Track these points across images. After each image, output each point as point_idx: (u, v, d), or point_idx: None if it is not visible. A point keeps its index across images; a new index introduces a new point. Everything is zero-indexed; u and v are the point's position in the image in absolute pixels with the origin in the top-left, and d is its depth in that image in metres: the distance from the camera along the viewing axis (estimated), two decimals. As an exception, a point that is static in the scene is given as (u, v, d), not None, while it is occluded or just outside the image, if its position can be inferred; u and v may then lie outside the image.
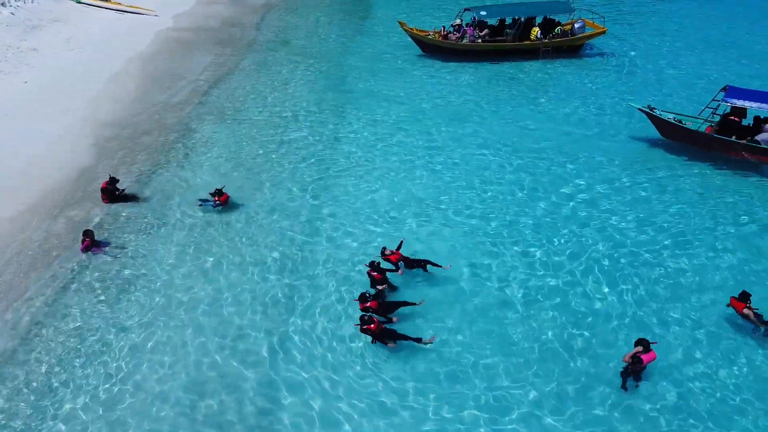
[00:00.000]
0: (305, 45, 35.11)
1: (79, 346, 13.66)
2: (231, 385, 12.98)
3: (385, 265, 15.82)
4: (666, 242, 17.45)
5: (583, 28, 32.50)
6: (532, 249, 17.31)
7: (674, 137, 21.90)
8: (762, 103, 19.64)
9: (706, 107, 21.54)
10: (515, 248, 17.33)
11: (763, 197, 19.43)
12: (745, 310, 14.08)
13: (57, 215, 17.88)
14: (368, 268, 15.47)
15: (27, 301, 14.82)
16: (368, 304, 14.25)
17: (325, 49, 34.43)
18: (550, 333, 14.40)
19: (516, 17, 31.84)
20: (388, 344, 13.79)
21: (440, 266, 16.04)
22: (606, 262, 16.69)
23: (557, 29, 32.42)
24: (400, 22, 32.58)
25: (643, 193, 19.89)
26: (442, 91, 28.69)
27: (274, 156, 22.25)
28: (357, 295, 14.74)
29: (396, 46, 34.58)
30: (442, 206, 19.31)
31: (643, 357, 12.69)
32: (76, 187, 19.28)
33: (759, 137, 19.98)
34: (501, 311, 15.10)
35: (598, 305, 15.27)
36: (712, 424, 12.10)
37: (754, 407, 12.47)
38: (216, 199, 18.53)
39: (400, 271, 15.72)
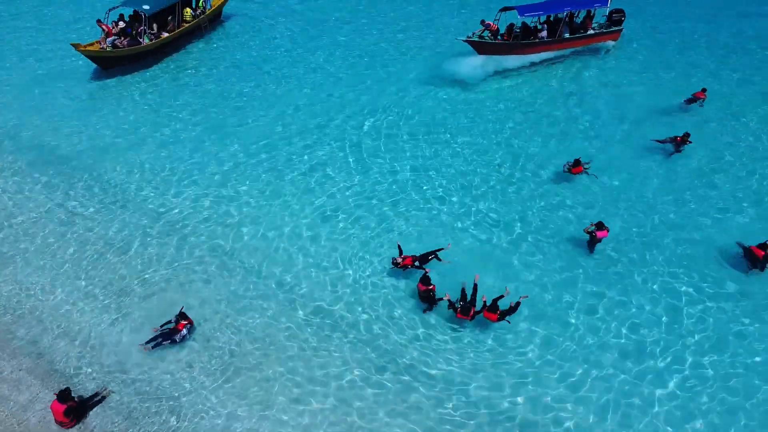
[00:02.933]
0: None
1: None
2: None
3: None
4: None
5: None
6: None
7: (488, 52, 28.20)
8: (544, 11, 27.34)
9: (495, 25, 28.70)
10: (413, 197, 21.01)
11: (540, 79, 27.87)
12: (579, 171, 21.49)
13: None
14: (422, 285, 16.60)
15: None
16: (472, 312, 15.86)
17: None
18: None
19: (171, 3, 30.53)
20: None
21: (443, 249, 18.28)
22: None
23: (200, 3, 32.85)
24: (73, 44, 27.00)
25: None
26: (173, 108, 26.27)
27: (117, 255, 18.55)
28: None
29: (48, 77, 28.45)
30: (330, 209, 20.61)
31: (598, 233, 18.47)
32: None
33: (541, 35, 28.06)
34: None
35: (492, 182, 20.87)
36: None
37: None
38: (184, 324, 15.61)
39: (427, 270, 17.33)
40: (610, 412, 14.25)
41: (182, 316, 15.68)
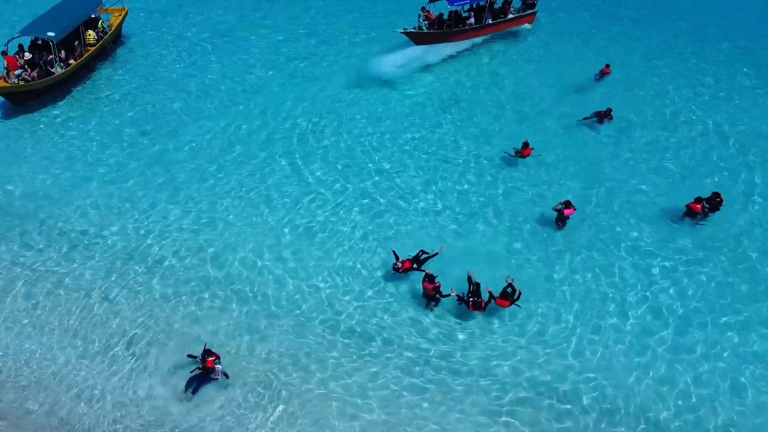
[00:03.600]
0: None
1: None
2: None
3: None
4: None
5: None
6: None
7: (425, 41, 29.94)
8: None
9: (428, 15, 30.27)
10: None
11: (468, 68, 29.67)
12: (529, 154, 23.38)
13: None
14: (428, 284, 17.67)
15: None
16: (484, 304, 17.22)
17: None
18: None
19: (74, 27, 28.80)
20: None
21: (436, 252, 19.33)
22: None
23: (99, 23, 31.32)
24: None
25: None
26: (102, 139, 25.24)
27: (102, 303, 18.14)
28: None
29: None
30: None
31: (565, 211, 20.50)
32: None
33: (468, 22, 29.99)
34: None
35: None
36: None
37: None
38: (213, 360, 15.48)
39: (428, 271, 18.34)
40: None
41: (207, 352, 15.56)
